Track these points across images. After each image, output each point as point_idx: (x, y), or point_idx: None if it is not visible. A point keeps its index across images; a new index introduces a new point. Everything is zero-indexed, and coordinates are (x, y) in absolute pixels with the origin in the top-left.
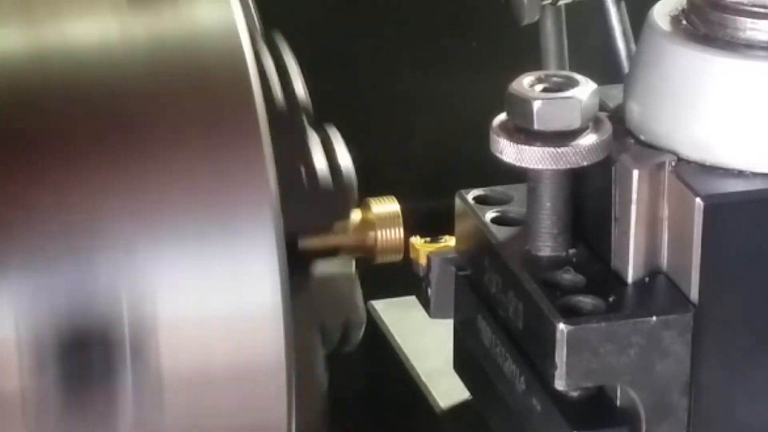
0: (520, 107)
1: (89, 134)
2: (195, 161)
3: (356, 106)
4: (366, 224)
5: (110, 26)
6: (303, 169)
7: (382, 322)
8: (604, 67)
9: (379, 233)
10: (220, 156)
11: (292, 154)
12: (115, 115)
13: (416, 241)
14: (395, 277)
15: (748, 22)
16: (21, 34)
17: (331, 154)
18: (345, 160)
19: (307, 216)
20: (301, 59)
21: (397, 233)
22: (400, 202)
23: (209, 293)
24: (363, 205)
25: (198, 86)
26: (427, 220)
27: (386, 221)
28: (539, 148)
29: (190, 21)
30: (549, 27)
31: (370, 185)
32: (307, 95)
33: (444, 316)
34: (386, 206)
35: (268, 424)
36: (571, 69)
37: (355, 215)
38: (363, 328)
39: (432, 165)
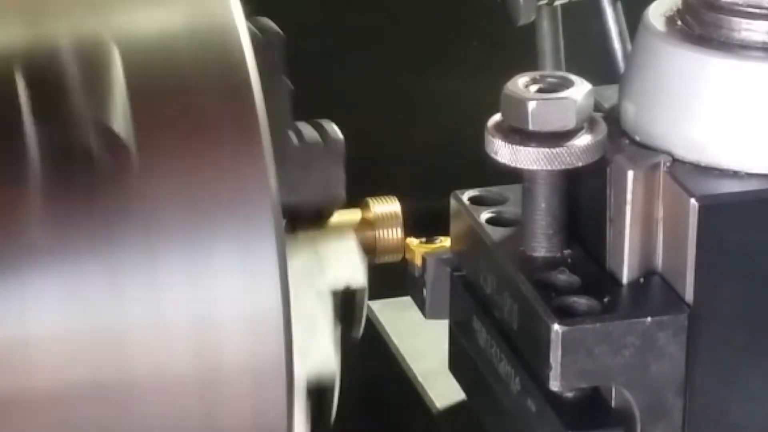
0: (515, 108)
1: None
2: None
3: (356, 106)
4: (366, 224)
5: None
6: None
7: (379, 322)
8: (600, 67)
9: (378, 233)
10: (219, 153)
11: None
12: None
13: (412, 241)
14: (392, 277)
15: (743, 23)
16: None
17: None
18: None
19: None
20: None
21: (396, 233)
22: (399, 202)
23: (214, 294)
24: (363, 205)
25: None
26: (427, 219)
27: (386, 221)
28: (534, 149)
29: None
30: (545, 27)
31: (370, 185)
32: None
33: (439, 317)
34: (386, 206)
35: (268, 424)
36: (568, 70)
37: (355, 215)
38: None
39: (432, 165)
